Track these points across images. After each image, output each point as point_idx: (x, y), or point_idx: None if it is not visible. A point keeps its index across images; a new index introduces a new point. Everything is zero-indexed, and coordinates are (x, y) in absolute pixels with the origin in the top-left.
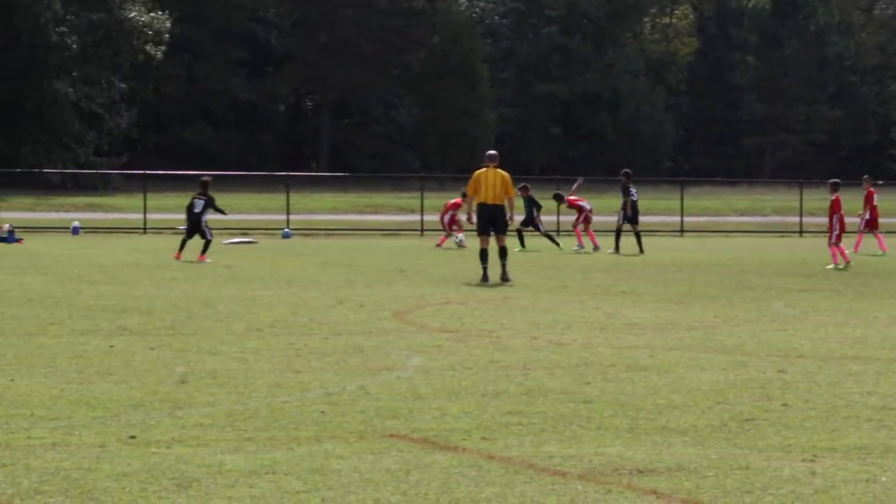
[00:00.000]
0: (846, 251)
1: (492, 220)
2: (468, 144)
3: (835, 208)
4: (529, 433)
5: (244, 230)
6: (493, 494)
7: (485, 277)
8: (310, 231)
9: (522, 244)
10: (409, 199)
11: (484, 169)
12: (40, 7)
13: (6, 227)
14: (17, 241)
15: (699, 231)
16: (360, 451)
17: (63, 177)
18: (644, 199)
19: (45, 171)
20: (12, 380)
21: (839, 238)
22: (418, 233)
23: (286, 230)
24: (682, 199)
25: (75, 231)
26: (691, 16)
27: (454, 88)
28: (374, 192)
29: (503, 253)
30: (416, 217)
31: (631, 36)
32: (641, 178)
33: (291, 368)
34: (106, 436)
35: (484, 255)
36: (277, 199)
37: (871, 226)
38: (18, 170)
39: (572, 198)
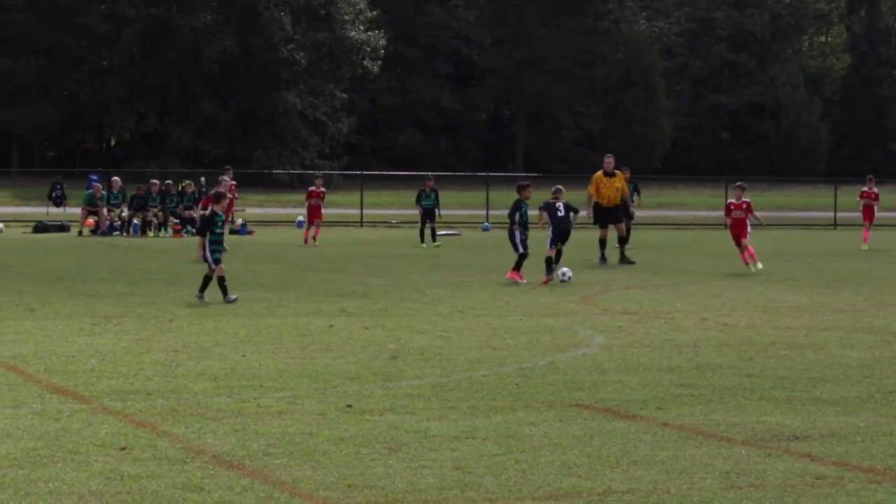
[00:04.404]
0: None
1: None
2: (647, 149)
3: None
4: (699, 403)
5: (449, 224)
6: (666, 457)
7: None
8: (507, 224)
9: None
10: None
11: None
12: (273, 27)
13: (239, 221)
14: (249, 233)
15: (851, 225)
16: (550, 419)
17: (290, 177)
18: (802, 196)
19: (274, 171)
20: (244, 355)
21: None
22: None
23: (486, 224)
24: (835, 197)
25: (300, 224)
26: (845, 35)
27: (635, 99)
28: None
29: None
30: None
31: (791, 52)
32: (800, 179)
33: (489, 346)
34: (326, 405)
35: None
36: (478, 196)
37: None
38: (251, 170)
39: None
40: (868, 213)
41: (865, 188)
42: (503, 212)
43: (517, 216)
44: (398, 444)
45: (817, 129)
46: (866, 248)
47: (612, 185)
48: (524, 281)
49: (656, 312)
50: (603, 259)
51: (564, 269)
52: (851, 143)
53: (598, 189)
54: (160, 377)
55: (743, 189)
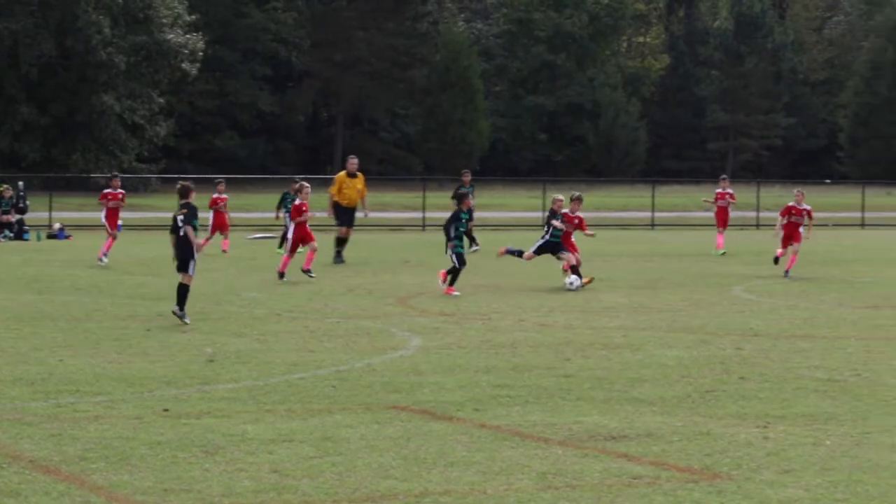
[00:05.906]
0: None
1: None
2: (465, 150)
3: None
4: (516, 404)
5: (267, 226)
6: (483, 458)
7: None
8: (324, 227)
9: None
10: (413, 198)
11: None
12: (91, 31)
13: (56, 225)
14: (67, 237)
15: (669, 225)
16: (367, 422)
17: (108, 180)
18: (620, 197)
19: (92, 175)
20: (61, 360)
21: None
22: (420, 228)
23: None
24: (653, 197)
25: (118, 228)
26: (663, 35)
27: (453, 101)
28: (381, 191)
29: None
30: (419, 214)
31: (610, 53)
32: (618, 179)
33: (306, 348)
34: (143, 409)
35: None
36: None
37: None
38: (69, 174)
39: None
40: (722, 215)
41: (719, 189)
42: (321, 213)
43: (453, 229)
44: (215, 447)
45: (635, 129)
46: (722, 252)
47: (353, 185)
48: (458, 293)
49: (474, 314)
50: (338, 257)
51: (573, 278)
52: (670, 144)
53: (340, 189)
54: None
55: (580, 201)
